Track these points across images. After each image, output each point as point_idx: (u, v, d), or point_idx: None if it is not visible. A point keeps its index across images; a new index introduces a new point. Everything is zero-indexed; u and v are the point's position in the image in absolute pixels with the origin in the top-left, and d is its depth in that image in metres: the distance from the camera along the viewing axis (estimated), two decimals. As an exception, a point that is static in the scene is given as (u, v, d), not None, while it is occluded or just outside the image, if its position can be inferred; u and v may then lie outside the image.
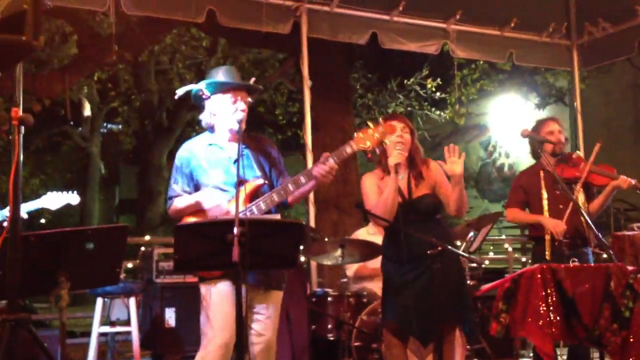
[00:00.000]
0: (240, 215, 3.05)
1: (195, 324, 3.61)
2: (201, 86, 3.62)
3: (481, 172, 16.34)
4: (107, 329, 5.68)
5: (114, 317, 5.74)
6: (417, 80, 12.30)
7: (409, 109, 12.67)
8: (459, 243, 5.25)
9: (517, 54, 7.34)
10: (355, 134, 3.52)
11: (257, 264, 3.04)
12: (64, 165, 20.11)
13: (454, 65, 9.04)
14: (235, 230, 2.83)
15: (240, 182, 3.22)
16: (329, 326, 5.10)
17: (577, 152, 4.81)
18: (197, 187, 3.60)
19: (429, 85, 12.15)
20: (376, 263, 4.41)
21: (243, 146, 3.47)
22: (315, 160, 6.23)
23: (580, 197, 4.61)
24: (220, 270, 3.34)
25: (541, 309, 3.51)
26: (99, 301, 5.43)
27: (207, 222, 3.26)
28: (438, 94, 12.23)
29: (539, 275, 3.58)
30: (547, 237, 4.60)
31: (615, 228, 8.60)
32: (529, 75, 12.48)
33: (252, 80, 3.77)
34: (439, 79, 11.99)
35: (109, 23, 6.94)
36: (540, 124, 4.89)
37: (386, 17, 6.58)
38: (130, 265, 7.40)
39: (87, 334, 5.85)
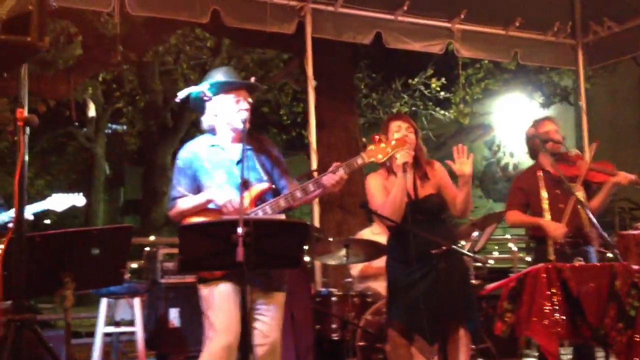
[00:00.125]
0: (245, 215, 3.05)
1: (199, 324, 3.60)
2: (203, 88, 3.61)
3: (486, 171, 16.32)
4: (111, 329, 5.68)
5: (119, 317, 5.74)
6: (422, 80, 12.30)
7: (413, 108, 12.67)
8: (463, 242, 5.24)
9: (522, 53, 7.32)
10: (367, 147, 3.55)
11: (262, 264, 3.04)
12: (68, 166, 20.16)
13: (459, 64, 9.04)
14: (240, 230, 2.83)
15: (244, 182, 3.21)
16: (334, 326, 5.10)
17: (575, 150, 4.77)
18: (199, 189, 3.58)
19: (433, 85, 12.15)
20: (381, 262, 4.40)
21: (248, 147, 3.47)
22: (320, 160, 6.28)
23: (580, 196, 4.58)
24: (226, 270, 3.33)
25: (546, 308, 3.50)
26: (104, 301, 5.44)
27: (212, 222, 3.25)
28: (442, 93, 12.23)
29: (544, 275, 3.57)
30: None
31: (620, 227, 8.59)
32: (533, 75, 12.46)
33: (253, 79, 3.77)
34: (443, 79, 11.99)
35: (114, 24, 6.95)
36: (537, 123, 4.87)
37: (391, 17, 6.58)
38: (134, 265, 7.40)
39: (92, 334, 5.85)
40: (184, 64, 12.97)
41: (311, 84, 6.17)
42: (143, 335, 5.48)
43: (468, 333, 3.84)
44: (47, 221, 16.94)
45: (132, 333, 5.62)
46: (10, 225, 2.78)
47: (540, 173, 4.66)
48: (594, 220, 4.33)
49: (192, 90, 3.67)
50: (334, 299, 5.18)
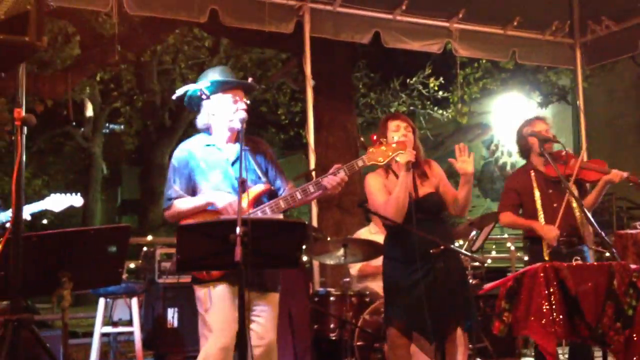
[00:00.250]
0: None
1: (197, 324, 3.60)
2: (201, 86, 3.60)
3: (483, 171, 16.30)
4: (109, 329, 5.68)
5: (116, 317, 5.74)
6: (420, 80, 12.29)
7: (411, 108, 12.67)
8: (461, 242, 5.25)
9: (520, 52, 7.33)
10: (368, 149, 3.56)
11: (260, 264, 3.03)
12: (66, 165, 20.13)
13: (457, 64, 9.01)
14: (238, 230, 2.82)
15: (243, 181, 3.20)
16: (332, 326, 5.10)
17: (565, 149, 4.76)
18: (194, 189, 3.56)
19: (431, 84, 12.15)
20: (379, 261, 4.40)
21: (245, 148, 3.46)
22: (318, 159, 6.28)
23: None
24: (223, 270, 3.32)
25: (544, 307, 3.50)
26: (102, 301, 5.44)
27: (210, 222, 3.23)
28: (440, 93, 12.23)
29: (541, 274, 3.57)
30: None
31: (617, 226, 8.57)
32: (531, 74, 12.44)
33: (250, 79, 3.77)
34: (441, 78, 11.99)
35: (112, 23, 6.96)
36: (528, 123, 4.84)
37: (389, 17, 6.59)
38: (132, 265, 7.39)
39: (90, 334, 5.85)
40: (182, 63, 12.98)
41: (309, 83, 6.17)
42: (141, 335, 5.48)
43: (466, 332, 3.84)
44: (45, 221, 16.93)
45: (130, 333, 5.62)
46: (8, 225, 2.77)
47: (533, 173, 4.66)
48: (591, 218, 4.31)
49: (190, 88, 3.66)
50: (332, 298, 5.18)
